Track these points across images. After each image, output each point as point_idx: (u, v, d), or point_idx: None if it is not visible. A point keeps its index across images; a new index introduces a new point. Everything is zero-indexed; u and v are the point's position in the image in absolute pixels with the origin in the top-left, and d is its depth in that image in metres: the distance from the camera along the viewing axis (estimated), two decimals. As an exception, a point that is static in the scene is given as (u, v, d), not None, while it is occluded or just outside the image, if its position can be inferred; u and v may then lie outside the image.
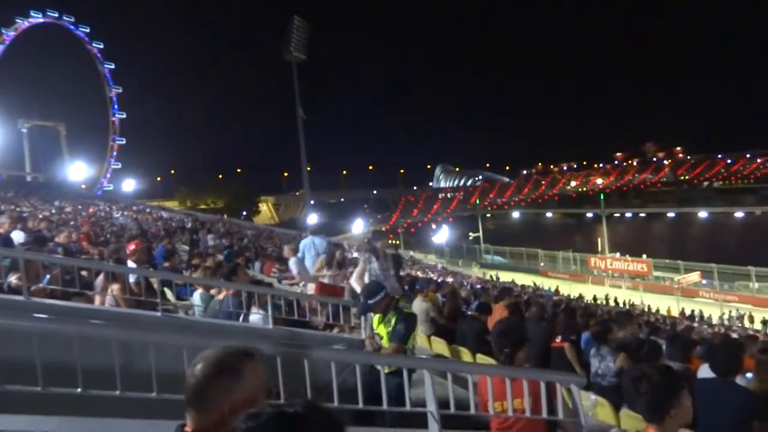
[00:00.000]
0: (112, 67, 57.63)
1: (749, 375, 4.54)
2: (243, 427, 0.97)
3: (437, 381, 2.43)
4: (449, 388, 2.42)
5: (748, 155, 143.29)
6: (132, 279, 5.17)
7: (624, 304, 27.26)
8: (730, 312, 26.22)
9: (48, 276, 4.58)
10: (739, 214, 63.58)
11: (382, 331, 3.83)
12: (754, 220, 66.71)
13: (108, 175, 58.48)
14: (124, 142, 59.55)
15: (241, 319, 4.69)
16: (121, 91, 58.54)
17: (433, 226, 69.34)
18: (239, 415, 1.32)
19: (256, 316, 4.58)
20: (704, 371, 4.80)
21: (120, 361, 1.96)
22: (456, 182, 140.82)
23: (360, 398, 2.24)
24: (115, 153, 58.82)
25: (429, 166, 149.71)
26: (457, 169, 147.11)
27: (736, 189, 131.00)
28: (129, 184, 59.88)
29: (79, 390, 1.93)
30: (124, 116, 59.09)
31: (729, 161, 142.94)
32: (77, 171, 52.52)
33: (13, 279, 4.16)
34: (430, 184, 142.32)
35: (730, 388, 3.91)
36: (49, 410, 1.95)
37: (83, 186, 52.06)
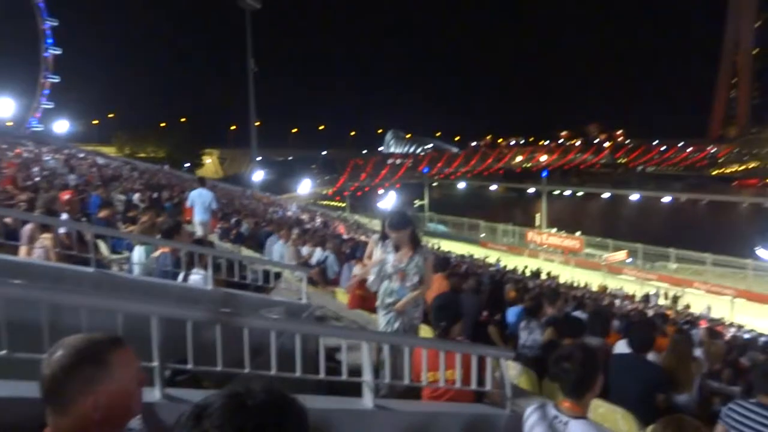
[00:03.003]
0: (48, -2, 53.13)
1: (651, 356, 4.94)
2: (190, 426, 0.89)
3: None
4: (386, 359, 2.51)
5: (680, 144, 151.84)
6: (62, 230, 4.94)
7: (554, 278, 28.60)
8: (658, 289, 28.24)
9: (-32, 223, 4.30)
10: (666, 199, 67.41)
11: None
12: (679, 205, 71.16)
13: (38, 114, 54.57)
14: (58, 80, 55.54)
15: (180, 278, 4.60)
16: (57, 24, 54.15)
17: (380, 192, 69.58)
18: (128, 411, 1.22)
19: (196, 276, 4.50)
20: (620, 347, 5.19)
21: (47, 319, 1.89)
22: (406, 149, 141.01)
23: (298, 367, 2.28)
24: (47, 91, 54.78)
25: (380, 131, 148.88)
26: (409, 136, 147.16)
27: (666, 175, 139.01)
28: (61, 126, 56.18)
29: (4, 352, 1.86)
30: (59, 52, 54.90)
31: (663, 148, 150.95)
32: (2, 107, 48.62)
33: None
34: (380, 149, 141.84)
35: (642, 363, 4.27)
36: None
37: (9, 123, 48.36)
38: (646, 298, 24.67)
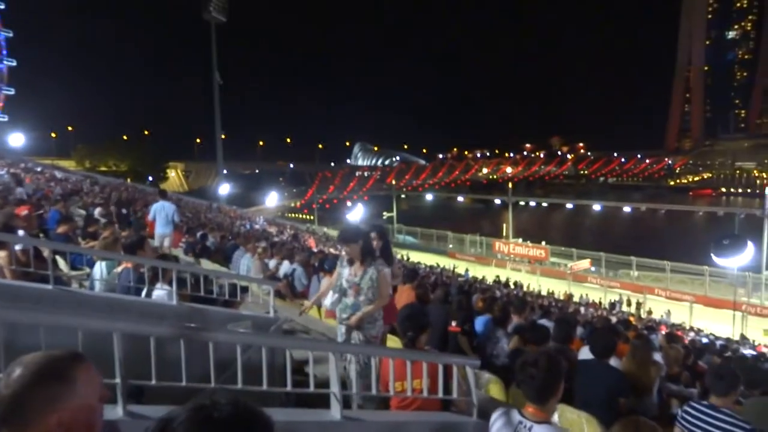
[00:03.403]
0: (2, 7, 51.41)
1: (613, 361, 5.08)
2: None
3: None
4: (352, 370, 2.51)
5: (638, 155, 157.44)
6: (18, 246, 4.77)
7: (522, 287, 29.07)
8: (621, 296, 29.01)
9: None
10: (627, 209, 69.41)
11: None
12: (639, 214, 73.38)
13: (-8, 128, 52.60)
14: (12, 92, 53.71)
15: (144, 294, 4.49)
16: (11, 35, 52.46)
17: (349, 204, 69.49)
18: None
19: (160, 292, 4.40)
20: (584, 353, 5.31)
21: (2, 336, 1.83)
22: (374, 161, 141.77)
23: (264, 379, 2.27)
24: (1, 104, 52.90)
25: (348, 143, 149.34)
26: (376, 148, 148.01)
27: (626, 185, 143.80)
28: (17, 139, 54.18)
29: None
30: (14, 63, 53.15)
31: (623, 160, 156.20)
32: (-47, 119, 46.65)
33: None
34: (348, 161, 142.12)
35: (604, 369, 4.38)
36: None
37: (-39, 137, 46.45)
38: (612, 305, 25.29)
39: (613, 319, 15.78)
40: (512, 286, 28.63)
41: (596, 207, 66.38)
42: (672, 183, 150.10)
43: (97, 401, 1.27)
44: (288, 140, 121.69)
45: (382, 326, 4.11)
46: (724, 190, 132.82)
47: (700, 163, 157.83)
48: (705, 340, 15.90)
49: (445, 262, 36.45)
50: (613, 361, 4.90)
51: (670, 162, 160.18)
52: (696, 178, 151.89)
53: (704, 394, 5.00)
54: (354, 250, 3.99)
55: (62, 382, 1.19)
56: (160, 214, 9.56)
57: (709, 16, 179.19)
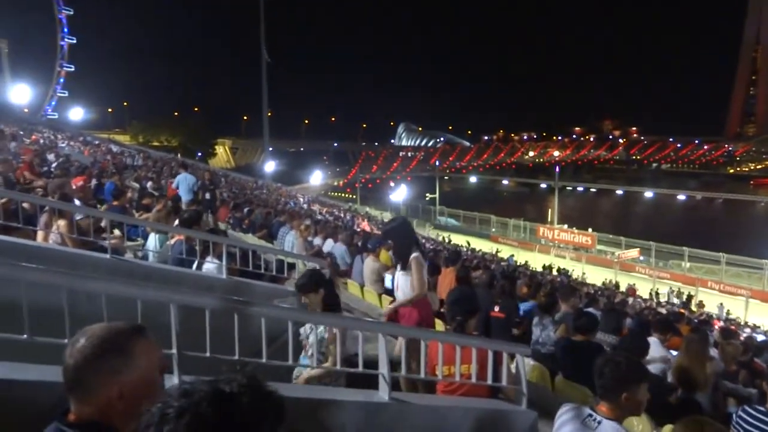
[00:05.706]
0: (65, -14, 53.43)
1: (674, 352, 4.89)
2: (174, 405, 0.86)
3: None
4: (402, 353, 2.48)
5: (696, 141, 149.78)
6: (78, 216, 4.96)
7: (567, 275, 28.38)
8: (671, 288, 27.99)
9: (-13, 208, 4.33)
10: (681, 197, 66.47)
11: None
12: (694, 203, 70.25)
13: (53, 103, 55.09)
14: (72, 68, 55.98)
15: (194, 266, 4.61)
16: (72, 13, 54.48)
17: (392, 184, 69.42)
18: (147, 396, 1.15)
19: (210, 265, 4.51)
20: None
21: (68, 304, 1.89)
22: (417, 142, 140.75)
23: (315, 358, 2.26)
24: (62, 80, 55.22)
25: (392, 123, 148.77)
26: (420, 129, 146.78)
27: (681, 172, 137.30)
28: (76, 113, 56.67)
29: (25, 336, 1.86)
30: (75, 41, 55.28)
31: (678, 145, 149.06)
32: (19, 93, 49.11)
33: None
34: (392, 141, 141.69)
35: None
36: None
37: (26, 110, 48.88)
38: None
39: (662, 311, 15.25)
40: (556, 273, 27.97)
41: (648, 194, 63.84)
42: (732, 171, 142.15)
43: (156, 374, 1.29)
44: (333, 119, 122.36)
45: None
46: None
47: (764, 150, 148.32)
48: (762, 337, 15.14)
49: (487, 246, 36.00)
50: (660, 353, 4.73)
51: (730, 148, 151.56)
52: (759, 166, 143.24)
53: (763, 396, 4.73)
54: (313, 300, 3.22)
55: (122, 355, 1.21)
56: (183, 183, 10.57)
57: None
